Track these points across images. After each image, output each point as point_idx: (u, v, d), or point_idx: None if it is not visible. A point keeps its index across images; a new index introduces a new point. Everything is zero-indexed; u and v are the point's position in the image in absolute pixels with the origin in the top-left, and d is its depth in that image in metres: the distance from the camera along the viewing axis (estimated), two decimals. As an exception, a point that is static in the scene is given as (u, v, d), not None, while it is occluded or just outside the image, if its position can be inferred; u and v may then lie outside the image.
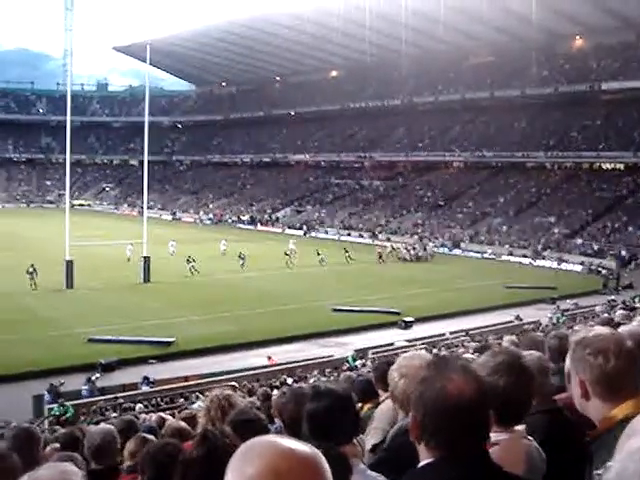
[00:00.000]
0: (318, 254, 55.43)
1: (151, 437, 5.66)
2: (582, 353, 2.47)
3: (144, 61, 69.05)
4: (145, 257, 45.81)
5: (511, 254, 63.56)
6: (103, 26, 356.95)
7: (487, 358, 3.13)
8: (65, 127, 47.24)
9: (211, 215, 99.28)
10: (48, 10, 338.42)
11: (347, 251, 57.70)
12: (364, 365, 24.33)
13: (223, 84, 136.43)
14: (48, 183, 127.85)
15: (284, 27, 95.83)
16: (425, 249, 64.25)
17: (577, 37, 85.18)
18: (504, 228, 70.69)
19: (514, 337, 9.51)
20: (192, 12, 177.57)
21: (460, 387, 2.15)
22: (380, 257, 57.62)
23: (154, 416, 12.94)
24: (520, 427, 3.01)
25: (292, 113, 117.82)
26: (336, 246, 61.45)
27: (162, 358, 29.53)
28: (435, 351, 22.20)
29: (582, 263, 57.90)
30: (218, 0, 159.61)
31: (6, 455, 3.56)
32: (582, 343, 2.50)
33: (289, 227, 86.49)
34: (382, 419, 4.39)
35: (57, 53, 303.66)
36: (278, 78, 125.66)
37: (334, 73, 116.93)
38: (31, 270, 41.23)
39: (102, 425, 6.35)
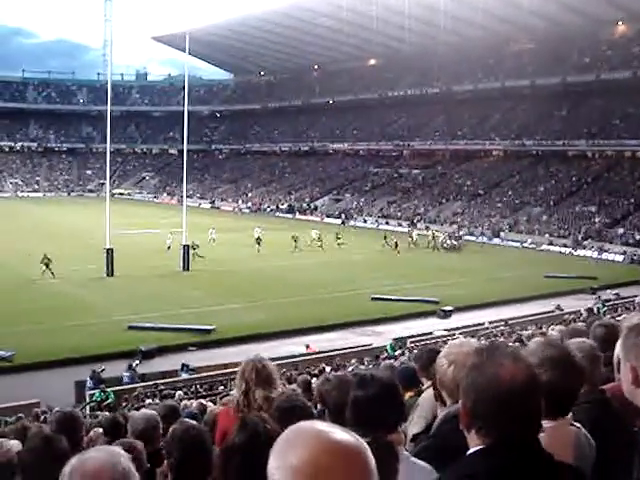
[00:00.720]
0: (319, 239, 56.03)
1: (194, 422, 5.69)
2: (635, 339, 2.42)
3: (183, 50, 69.42)
4: (185, 245, 46.15)
5: (551, 243, 62.91)
6: (142, 16, 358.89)
7: (535, 348, 3.08)
8: (105, 117, 47.75)
9: (250, 204, 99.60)
10: (87, 1, 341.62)
11: (339, 237, 57.80)
12: (403, 354, 24.20)
13: (261, 73, 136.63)
14: (89, 172, 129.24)
15: (322, 15, 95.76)
16: (460, 238, 63.79)
17: (620, 23, 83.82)
18: (544, 217, 69.93)
19: (563, 327, 9.29)
20: (230, 1, 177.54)
21: (512, 372, 2.12)
22: (396, 246, 56.01)
23: (195, 403, 13.07)
24: (567, 416, 2.96)
25: (330, 102, 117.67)
26: (376, 234, 61.10)
27: (202, 346, 29.67)
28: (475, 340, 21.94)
29: (624, 253, 57.16)
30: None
31: (55, 438, 3.60)
32: (635, 329, 2.45)
33: (327, 216, 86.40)
34: (426, 408, 4.37)
35: (96, 43, 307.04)
36: (316, 67, 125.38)
37: (372, 61, 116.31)
38: (46, 261, 40.65)
39: (145, 410, 6.40)
